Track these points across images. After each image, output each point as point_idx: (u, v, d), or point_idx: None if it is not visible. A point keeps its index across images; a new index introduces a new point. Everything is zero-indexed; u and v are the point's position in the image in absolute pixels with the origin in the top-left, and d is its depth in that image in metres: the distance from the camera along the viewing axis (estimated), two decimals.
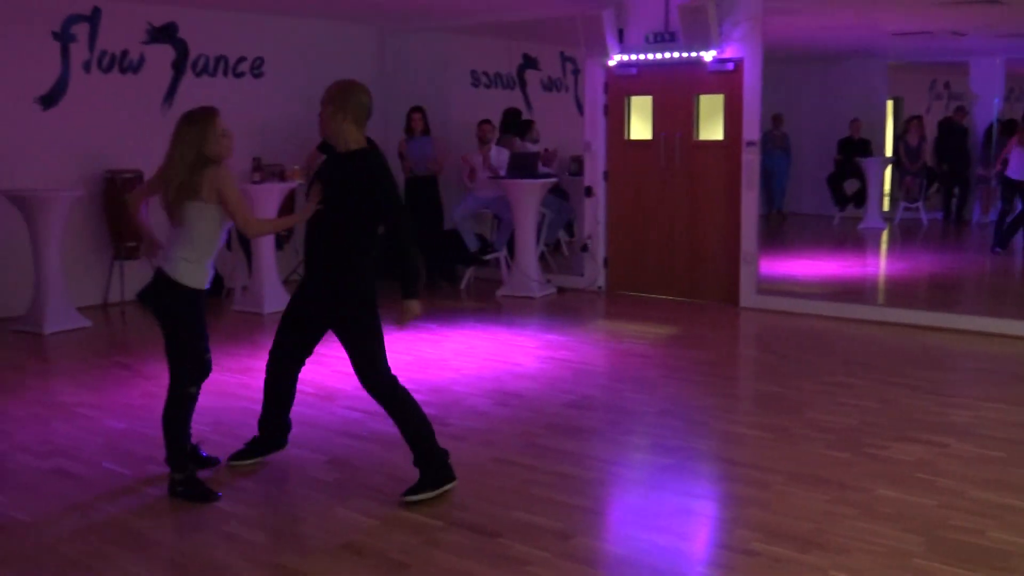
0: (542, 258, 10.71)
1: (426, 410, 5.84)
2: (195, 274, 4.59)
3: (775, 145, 15.91)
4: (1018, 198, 12.32)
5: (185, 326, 4.62)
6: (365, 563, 3.94)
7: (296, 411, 5.89)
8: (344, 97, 4.66)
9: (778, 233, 15.15)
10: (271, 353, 4.96)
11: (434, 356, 7.42)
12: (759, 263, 9.32)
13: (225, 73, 10.41)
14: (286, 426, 5.13)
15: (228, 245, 9.90)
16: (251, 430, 5.22)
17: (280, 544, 4.15)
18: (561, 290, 10.22)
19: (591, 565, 3.95)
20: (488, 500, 4.61)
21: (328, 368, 6.81)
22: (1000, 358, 7.44)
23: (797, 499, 4.58)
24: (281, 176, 9.52)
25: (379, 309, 4.69)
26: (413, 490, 4.58)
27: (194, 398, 4.69)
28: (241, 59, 10.51)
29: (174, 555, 4.04)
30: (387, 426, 5.55)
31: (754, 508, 4.51)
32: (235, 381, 6.66)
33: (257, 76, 10.67)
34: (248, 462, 5.07)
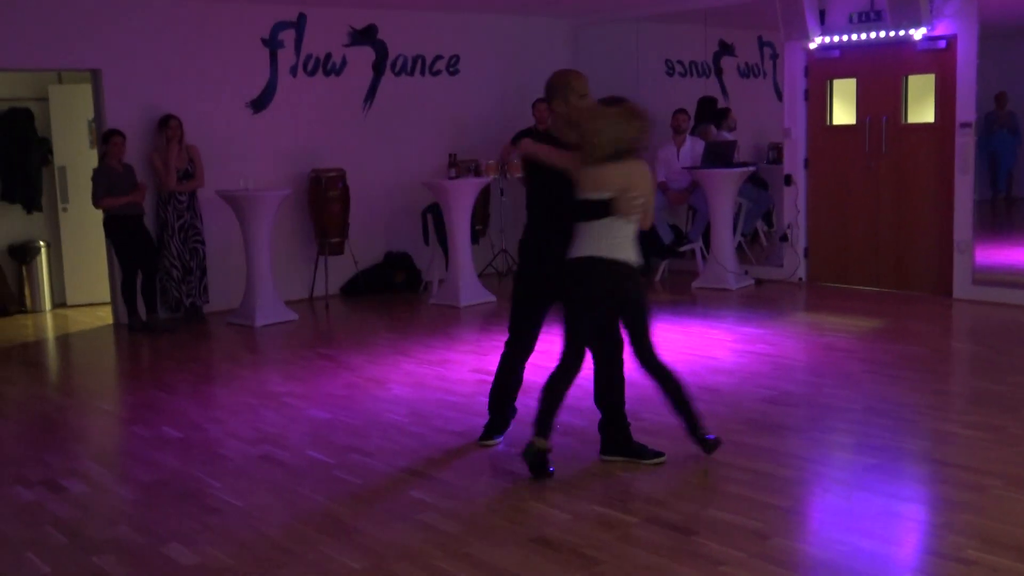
0: (739, 249, 10.45)
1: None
2: None
3: (1001, 125, 14.96)
4: None
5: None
6: (556, 556, 3.93)
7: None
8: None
9: (1003, 219, 14.21)
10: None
11: (627, 350, 7.31)
12: (975, 251, 8.77)
13: (423, 72, 10.66)
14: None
15: (426, 240, 10.16)
16: (446, 421, 5.30)
17: (473, 535, 4.19)
18: (759, 282, 9.94)
19: (788, 568, 3.79)
20: (683, 497, 4.52)
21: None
22: None
23: (1017, 505, 4.26)
24: (476, 171, 9.67)
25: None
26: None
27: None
28: (438, 57, 10.73)
29: (371, 542, 4.14)
30: (582, 420, 5.55)
31: (968, 513, 4.22)
32: (433, 373, 6.79)
33: (453, 74, 10.86)
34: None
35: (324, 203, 9.62)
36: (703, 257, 10.12)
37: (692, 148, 10.23)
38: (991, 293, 8.62)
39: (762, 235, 11.91)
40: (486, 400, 5.44)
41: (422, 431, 5.55)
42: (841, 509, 4.43)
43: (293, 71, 9.76)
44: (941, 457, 4.94)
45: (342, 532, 4.25)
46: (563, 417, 5.66)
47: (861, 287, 9.50)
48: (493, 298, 9.48)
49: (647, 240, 10.51)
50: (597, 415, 5.15)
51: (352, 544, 4.13)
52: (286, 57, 9.72)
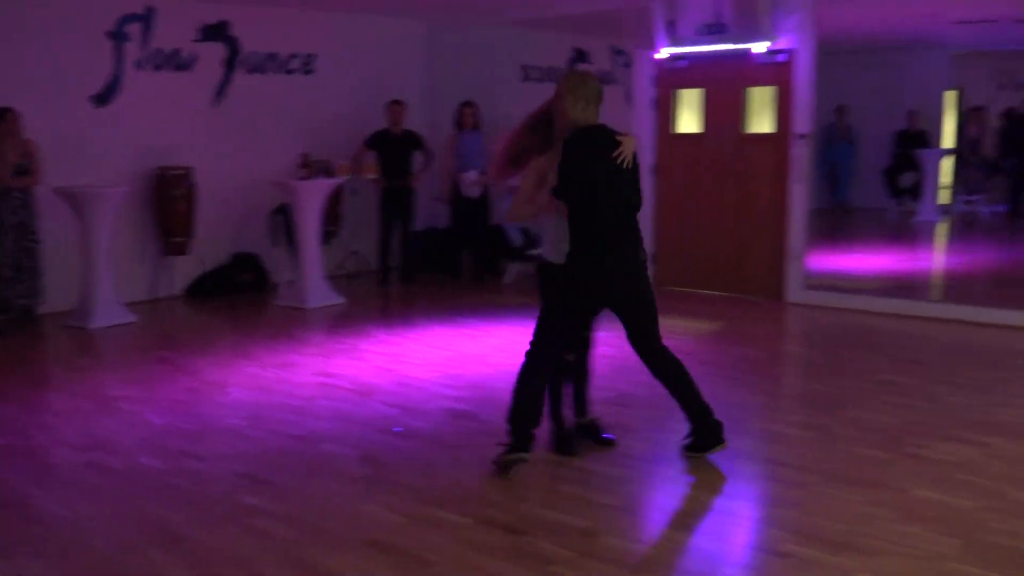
0: None
1: (461, 407, 5.88)
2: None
3: (840, 137, 15.67)
4: None
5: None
6: (389, 560, 3.94)
7: (332, 406, 5.95)
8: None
9: (837, 227, 14.89)
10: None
11: (473, 352, 7.40)
12: (807, 258, 9.17)
13: (277, 70, 10.50)
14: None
15: (275, 240, 10.01)
16: (285, 425, 5.23)
17: (306, 539, 4.16)
18: None
19: (618, 566, 3.88)
20: (518, 498, 4.58)
21: (367, 363, 6.84)
22: None
23: (833, 500, 4.48)
24: (328, 172, 9.58)
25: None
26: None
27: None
28: (292, 56, 10.59)
29: (201, 550, 4.06)
30: (423, 422, 5.58)
31: (789, 509, 4.42)
32: (275, 376, 6.70)
33: (307, 73, 10.73)
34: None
35: (168, 202, 9.38)
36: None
37: None
38: (821, 297, 9.03)
39: None
40: (327, 404, 5.41)
41: (260, 435, 5.47)
42: (670, 507, 4.57)
43: (139, 65, 9.47)
44: (769, 455, 5.15)
45: (171, 540, 4.15)
46: (405, 419, 5.69)
47: (704, 291, 9.80)
48: (342, 300, 9.41)
49: (496, 242, 10.70)
50: (440, 416, 5.18)
51: (181, 552, 4.04)
52: (132, 50, 9.43)
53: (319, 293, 9.27)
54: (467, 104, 10.61)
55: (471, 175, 10.46)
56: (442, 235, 11.14)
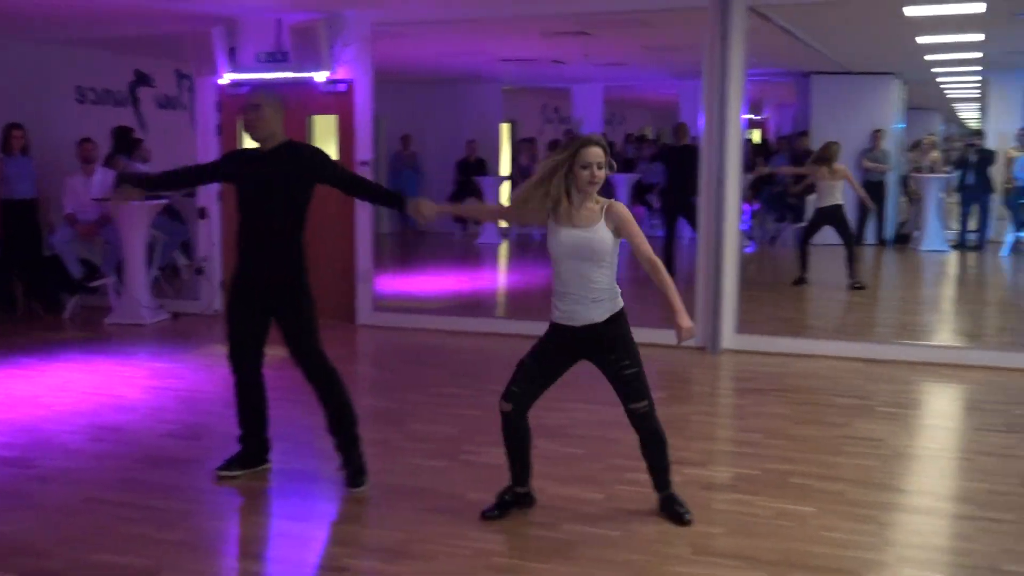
0: (157, 283, 10.26)
1: (9, 452, 5.48)
2: None
3: (405, 164, 16.29)
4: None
5: None
6: None
7: None
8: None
9: (406, 251, 15.52)
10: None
11: (26, 393, 6.87)
12: (377, 281, 9.50)
13: None
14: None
15: None
16: None
17: None
18: (176, 315, 9.83)
19: None
20: (73, 544, 4.32)
21: None
22: None
23: (393, 510, 4.69)
24: None
25: None
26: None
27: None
28: None
29: None
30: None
31: (349, 524, 4.57)
32: None
33: None
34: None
35: None
36: (117, 292, 9.78)
37: (103, 179, 9.86)
38: (390, 318, 9.38)
39: (181, 268, 11.80)
40: None
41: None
42: (232, 536, 4.55)
43: None
44: (328, 475, 5.25)
45: None
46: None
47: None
48: None
49: (55, 275, 10.01)
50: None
51: None
52: None
53: None
54: (15, 126, 9.85)
55: None
56: None
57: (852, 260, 10.84)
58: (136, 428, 6.05)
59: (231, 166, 5.36)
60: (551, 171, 4.32)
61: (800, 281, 11.07)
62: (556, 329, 4.46)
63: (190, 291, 10.37)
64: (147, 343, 8.76)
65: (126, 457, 5.47)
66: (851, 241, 10.96)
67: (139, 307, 9.44)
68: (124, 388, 7.06)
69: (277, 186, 4.99)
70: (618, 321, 4.39)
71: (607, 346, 4.38)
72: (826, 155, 10.93)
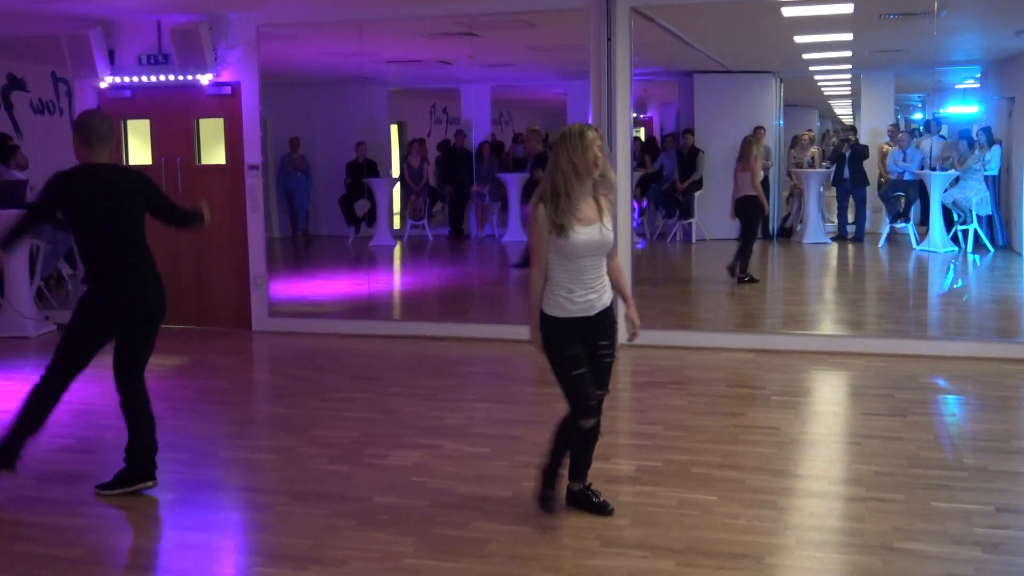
0: (40, 294, 9.92)
1: None
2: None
3: (295, 167, 16.07)
4: None
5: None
6: None
7: None
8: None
9: (300, 255, 15.32)
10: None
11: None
12: (272, 286, 9.36)
13: None
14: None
15: None
16: None
17: None
18: (60, 326, 9.49)
19: None
20: None
21: None
22: (490, 361, 8.08)
23: (298, 518, 4.64)
24: None
25: None
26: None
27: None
28: None
29: None
30: None
31: (257, 533, 4.51)
32: None
33: None
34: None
35: None
36: None
37: None
38: (286, 323, 9.26)
39: (66, 277, 11.43)
40: None
41: None
42: (136, 549, 4.44)
43: None
44: (235, 483, 5.20)
45: None
46: None
47: (169, 326, 9.55)
48: None
49: None
50: None
51: None
52: None
53: None
54: None
55: None
56: None
57: (745, 254, 11.10)
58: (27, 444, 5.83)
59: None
60: (567, 173, 4.25)
61: (749, 280, 11.17)
62: (572, 325, 4.40)
63: (76, 301, 10.02)
64: (33, 356, 8.46)
65: (19, 474, 5.28)
66: (751, 236, 11.21)
67: (23, 319, 9.12)
68: (12, 403, 6.80)
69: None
70: (614, 305, 4.54)
71: (604, 333, 4.48)
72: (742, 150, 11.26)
